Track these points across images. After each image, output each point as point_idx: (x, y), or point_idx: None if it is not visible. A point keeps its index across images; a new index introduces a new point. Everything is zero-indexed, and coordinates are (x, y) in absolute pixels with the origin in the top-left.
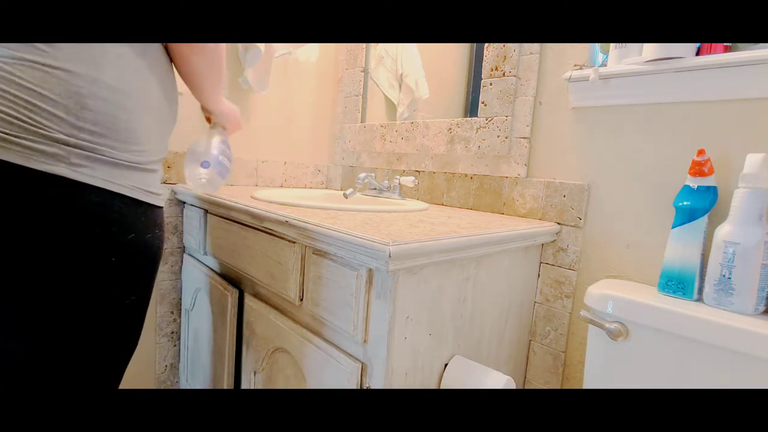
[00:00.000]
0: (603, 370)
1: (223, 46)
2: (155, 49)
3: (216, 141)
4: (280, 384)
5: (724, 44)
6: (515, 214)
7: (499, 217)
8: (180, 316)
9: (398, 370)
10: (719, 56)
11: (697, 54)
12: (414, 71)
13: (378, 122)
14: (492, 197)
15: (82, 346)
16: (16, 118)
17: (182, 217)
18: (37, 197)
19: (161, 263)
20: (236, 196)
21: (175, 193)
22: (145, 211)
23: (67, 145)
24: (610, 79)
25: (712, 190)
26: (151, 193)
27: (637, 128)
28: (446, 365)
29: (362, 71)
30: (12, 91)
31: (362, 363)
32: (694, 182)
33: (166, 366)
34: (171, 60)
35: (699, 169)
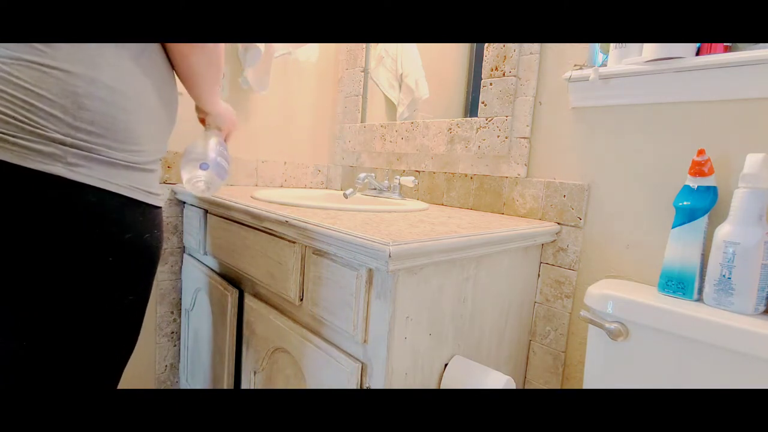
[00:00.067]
0: (603, 370)
1: (222, 45)
2: (154, 49)
3: (213, 143)
4: (280, 384)
5: (724, 44)
6: (515, 214)
7: (499, 217)
8: (180, 316)
9: (398, 370)
10: (719, 56)
11: (697, 54)
12: (414, 71)
13: (378, 122)
14: (492, 197)
15: (81, 346)
16: (13, 117)
17: (182, 217)
18: (33, 197)
19: (161, 263)
20: (236, 196)
21: (175, 193)
22: (144, 211)
23: (64, 144)
24: (610, 79)
25: (712, 190)
26: (150, 193)
27: (637, 128)
28: (446, 365)
29: (362, 71)
30: (9, 90)
31: (362, 363)
32: (694, 182)
33: (166, 366)
34: (169, 59)
35: (699, 169)
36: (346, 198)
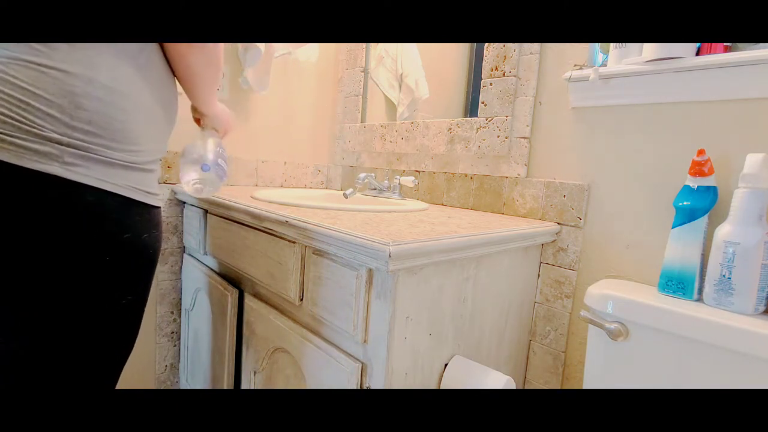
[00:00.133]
0: (603, 370)
1: (221, 45)
2: (153, 49)
3: (212, 144)
4: (280, 384)
5: (724, 44)
6: (515, 214)
7: (499, 217)
8: (180, 316)
9: (398, 370)
10: (719, 56)
11: (697, 54)
12: (414, 71)
13: (378, 122)
14: (492, 197)
15: (80, 346)
16: (10, 117)
17: (182, 217)
18: (30, 196)
19: (161, 263)
20: (236, 196)
21: (175, 193)
22: (142, 211)
23: (61, 144)
24: (610, 79)
25: (712, 190)
26: (148, 193)
27: (637, 128)
28: (446, 365)
29: (362, 71)
30: (6, 90)
31: (362, 363)
32: (694, 182)
33: (166, 366)
34: (167, 59)
35: (699, 169)
36: (346, 198)
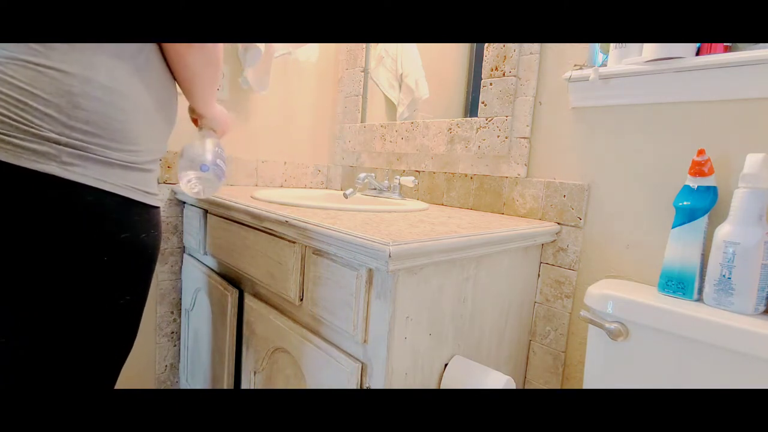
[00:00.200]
0: (603, 370)
1: (221, 45)
2: (152, 49)
3: (210, 145)
4: (280, 384)
5: (724, 44)
6: (515, 214)
7: (499, 217)
8: (180, 316)
9: (398, 370)
10: (719, 56)
11: (697, 54)
12: (414, 71)
13: (378, 122)
14: (492, 197)
15: (78, 345)
16: (7, 116)
17: (182, 217)
18: (28, 196)
19: (161, 263)
20: (236, 196)
21: (174, 193)
22: (141, 211)
23: (59, 143)
24: (610, 79)
25: (712, 190)
26: (147, 192)
27: (637, 128)
28: (446, 365)
29: (362, 71)
30: (4, 90)
31: (362, 363)
32: (694, 182)
33: (166, 366)
34: (166, 58)
35: (699, 169)
36: (346, 198)
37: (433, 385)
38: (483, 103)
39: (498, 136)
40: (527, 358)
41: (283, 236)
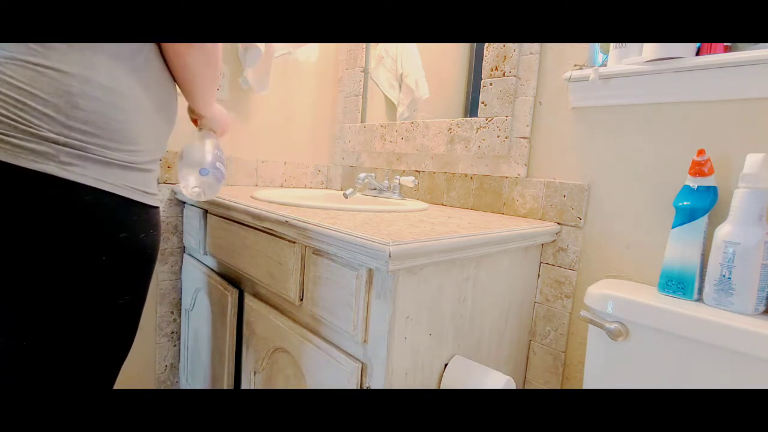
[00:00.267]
0: (603, 370)
1: (220, 44)
2: (151, 48)
3: (210, 147)
4: (280, 384)
5: (724, 44)
6: (515, 214)
7: (499, 217)
8: (180, 316)
9: (398, 370)
10: (719, 56)
11: (697, 54)
12: (414, 71)
13: (378, 122)
14: (492, 197)
15: (77, 345)
16: (6, 116)
17: (182, 217)
18: (26, 196)
19: (161, 263)
20: (236, 196)
21: (175, 193)
22: (140, 211)
23: (57, 143)
24: (610, 79)
25: (712, 190)
26: (146, 193)
27: (637, 128)
28: (446, 365)
29: (362, 71)
30: (3, 89)
31: (362, 363)
32: (694, 182)
33: (166, 366)
34: (165, 58)
35: (699, 169)
36: (346, 198)
37: (433, 385)
38: (483, 103)
39: (498, 136)
40: (527, 358)
41: (283, 236)
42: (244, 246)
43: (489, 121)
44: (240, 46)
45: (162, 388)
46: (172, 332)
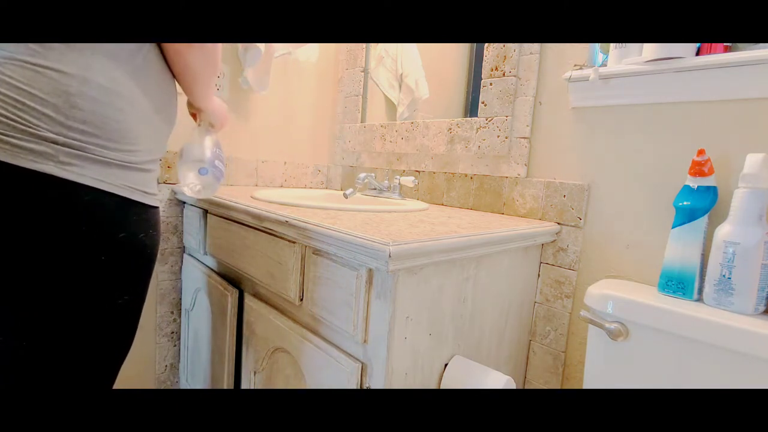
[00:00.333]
0: (603, 370)
1: (220, 44)
2: (151, 48)
3: (209, 144)
4: (280, 384)
5: (724, 44)
6: (515, 214)
7: (499, 217)
8: (180, 316)
9: (398, 370)
10: (719, 56)
11: (697, 54)
12: (414, 71)
13: (378, 122)
14: (492, 197)
15: (77, 345)
16: (5, 116)
17: (182, 217)
18: (26, 195)
19: (161, 263)
20: (236, 196)
21: (175, 193)
22: (139, 211)
23: (56, 143)
24: (610, 79)
25: (712, 190)
26: (146, 192)
27: (637, 128)
28: (446, 365)
29: (362, 71)
30: (2, 89)
31: (362, 363)
32: (694, 182)
33: (166, 366)
34: (165, 57)
35: (699, 169)
36: (346, 198)
37: (433, 385)
38: (483, 103)
39: (498, 136)
40: (527, 358)
41: (283, 236)
42: (244, 246)
43: (489, 121)
44: (240, 46)
45: (162, 388)
46: (172, 332)
